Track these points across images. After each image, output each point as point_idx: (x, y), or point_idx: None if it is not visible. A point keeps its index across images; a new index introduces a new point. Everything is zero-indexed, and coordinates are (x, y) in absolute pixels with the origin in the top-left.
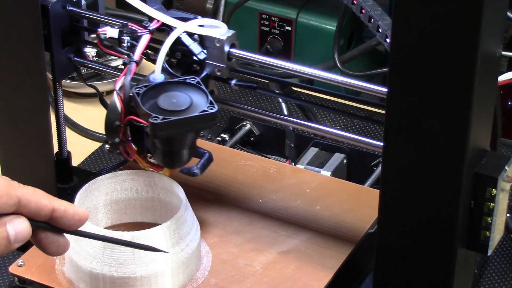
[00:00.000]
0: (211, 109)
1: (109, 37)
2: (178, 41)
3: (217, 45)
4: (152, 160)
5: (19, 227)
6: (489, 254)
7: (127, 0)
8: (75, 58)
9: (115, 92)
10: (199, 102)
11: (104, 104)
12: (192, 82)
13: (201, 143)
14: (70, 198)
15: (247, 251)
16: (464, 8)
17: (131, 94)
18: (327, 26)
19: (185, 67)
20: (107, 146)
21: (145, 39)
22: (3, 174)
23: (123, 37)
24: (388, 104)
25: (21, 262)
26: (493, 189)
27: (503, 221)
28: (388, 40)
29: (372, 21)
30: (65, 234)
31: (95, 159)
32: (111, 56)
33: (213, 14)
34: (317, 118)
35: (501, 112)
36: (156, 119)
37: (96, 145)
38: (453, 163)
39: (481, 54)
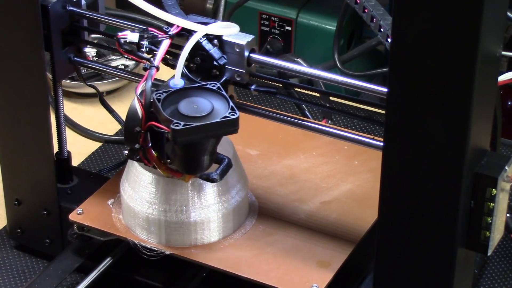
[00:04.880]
0: (233, 115)
1: (129, 42)
2: (197, 46)
3: (237, 50)
4: (171, 166)
5: None
6: (489, 254)
7: (145, 9)
8: (75, 58)
9: (135, 98)
10: (220, 108)
11: (104, 104)
12: (213, 87)
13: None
14: (70, 198)
15: (291, 201)
16: (464, 8)
17: (151, 100)
18: (327, 26)
19: (204, 72)
20: (125, 152)
21: (165, 44)
22: (3, 174)
23: (142, 42)
24: (388, 104)
25: (80, 210)
26: (493, 189)
27: (503, 221)
28: (389, 39)
29: (374, 21)
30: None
31: (95, 159)
32: (111, 56)
33: (213, 14)
34: (316, 118)
35: (501, 112)
36: (177, 125)
37: (96, 145)
38: (453, 163)
39: (481, 54)
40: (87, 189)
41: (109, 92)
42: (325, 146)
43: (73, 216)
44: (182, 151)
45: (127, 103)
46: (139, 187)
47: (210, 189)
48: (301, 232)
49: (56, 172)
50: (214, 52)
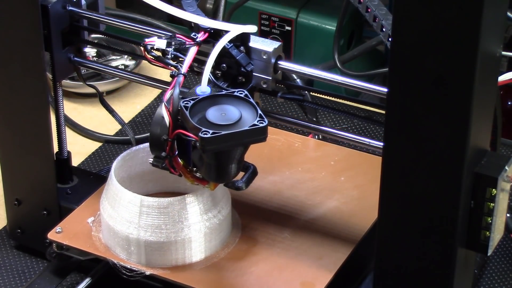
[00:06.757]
0: (261, 123)
1: (156, 48)
2: (224, 53)
3: (264, 57)
4: (197, 174)
5: None
6: (489, 254)
7: (178, 15)
8: (75, 58)
9: (162, 105)
10: (248, 116)
11: (104, 104)
12: (240, 95)
13: None
14: (70, 198)
15: (276, 218)
16: (464, 8)
17: (179, 108)
18: (327, 26)
19: (230, 79)
20: (150, 160)
21: (193, 51)
22: (3, 174)
23: (168, 48)
24: (388, 104)
25: (59, 229)
26: (493, 189)
27: (503, 221)
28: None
29: (376, 21)
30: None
31: (95, 159)
32: (111, 56)
33: (213, 14)
34: (317, 118)
35: (501, 112)
36: (206, 133)
37: (96, 145)
38: (453, 163)
39: (481, 54)
40: (87, 189)
41: (109, 92)
42: (311, 162)
43: (51, 235)
44: (210, 159)
45: (127, 103)
46: (119, 205)
47: (192, 207)
48: (286, 251)
49: (56, 172)
50: (242, 58)
